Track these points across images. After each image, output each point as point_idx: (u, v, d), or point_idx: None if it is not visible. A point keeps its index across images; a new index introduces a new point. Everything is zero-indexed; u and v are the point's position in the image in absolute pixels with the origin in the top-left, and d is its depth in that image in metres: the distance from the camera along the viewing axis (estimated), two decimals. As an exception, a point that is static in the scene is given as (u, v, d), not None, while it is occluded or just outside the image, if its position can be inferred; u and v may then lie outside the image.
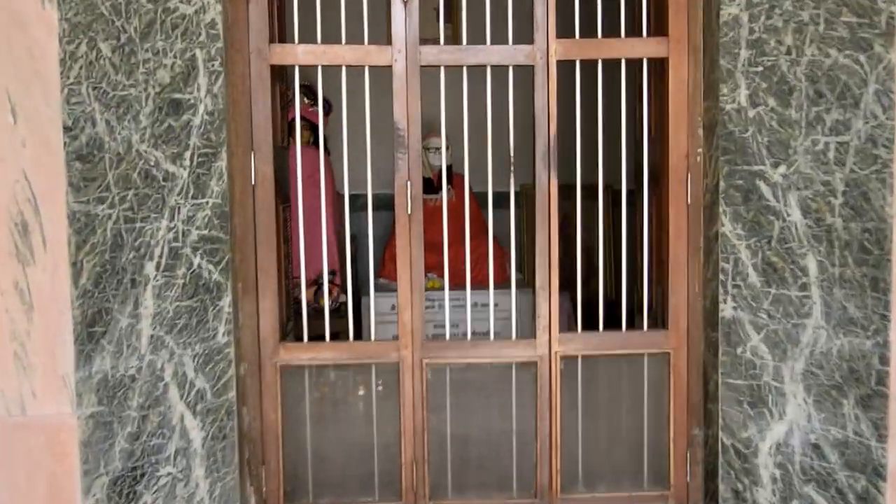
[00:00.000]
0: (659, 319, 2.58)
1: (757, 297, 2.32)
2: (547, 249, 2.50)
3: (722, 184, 2.31)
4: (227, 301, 2.27)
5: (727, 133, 2.30)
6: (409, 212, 2.54)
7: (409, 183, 2.53)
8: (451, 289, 3.43)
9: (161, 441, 2.28)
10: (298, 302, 3.88)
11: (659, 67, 2.51)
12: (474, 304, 3.65)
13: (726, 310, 2.34)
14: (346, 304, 4.07)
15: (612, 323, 2.57)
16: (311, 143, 4.19)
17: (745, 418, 2.34)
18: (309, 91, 4.10)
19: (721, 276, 2.33)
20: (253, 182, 2.41)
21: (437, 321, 3.53)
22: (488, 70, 2.49)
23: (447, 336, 2.60)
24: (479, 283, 3.22)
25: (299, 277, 3.87)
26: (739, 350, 2.34)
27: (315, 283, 4.07)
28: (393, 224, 2.54)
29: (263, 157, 2.42)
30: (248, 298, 2.43)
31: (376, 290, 4.07)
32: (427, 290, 3.63)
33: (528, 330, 3.48)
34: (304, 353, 2.49)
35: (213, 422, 2.28)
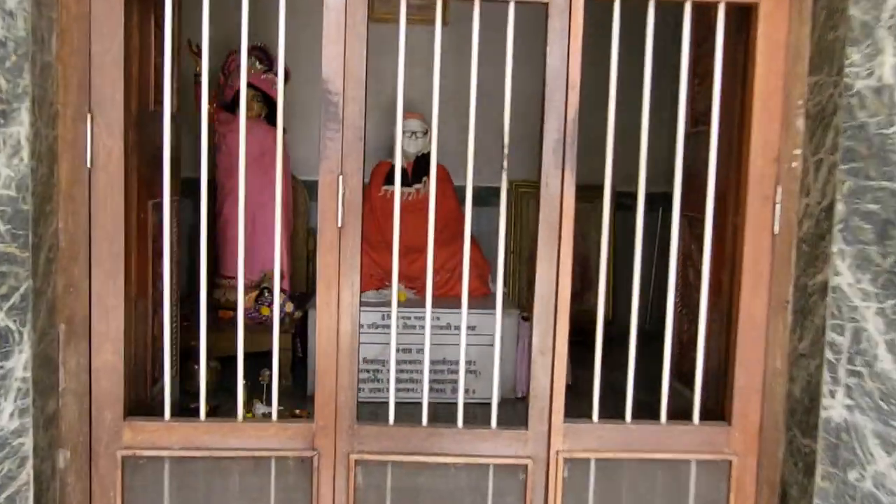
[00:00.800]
0: (714, 402, 1.99)
1: (891, 395, 1.70)
2: (553, 287, 1.89)
3: (840, 207, 1.71)
4: (21, 360, 1.59)
5: (855, 127, 1.70)
6: (341, 223, 1.66)
7: (340, 177, 1.65)
8: (418, 305, 2.88)
9: None
10: (228, 307, 3.46)
11: (740, 18, 1.91)
12: (446, 326, 3.19)
13: (834, 408, 1.74)
14: (292, 314, 3.64)
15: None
16: (263, 117, 3.87)
17: (855, 583, 1.76)
18: (263, 54, 3.88)
19: (829, 354, 1.73)
20: (89, 163, 1.73)
21: (401, 344, 3.01)
22: (476, 6, 1.79)
23: (391, 376, 1.80)
24: (455, 298, 2.89)
25: (234, 279, 3.57)
26: (853, 475, 1.72)
27: (257, 288, 3.75)
28: (363, 217, 1.82)
29: (109, 124, 1.79)
30: (76, 349, 1.77)
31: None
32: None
33: (510, 362, 3.13)
34: (162, 437, 1.80)
35: (-15, 561, 1.49)
